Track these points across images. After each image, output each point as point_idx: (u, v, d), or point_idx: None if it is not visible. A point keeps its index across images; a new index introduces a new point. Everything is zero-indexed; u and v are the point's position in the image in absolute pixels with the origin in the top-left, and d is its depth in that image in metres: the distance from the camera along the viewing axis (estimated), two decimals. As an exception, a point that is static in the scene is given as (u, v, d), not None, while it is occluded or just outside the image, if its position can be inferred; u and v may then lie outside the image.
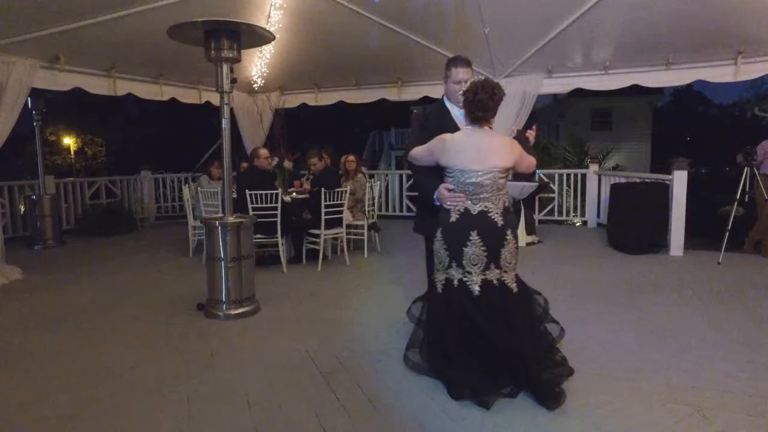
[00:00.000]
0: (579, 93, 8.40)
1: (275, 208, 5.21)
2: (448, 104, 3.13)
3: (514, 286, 2.71)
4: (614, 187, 6.85)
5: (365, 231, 6.15)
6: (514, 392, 2.54)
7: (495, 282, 2.63)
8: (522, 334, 2.64)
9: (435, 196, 2.72)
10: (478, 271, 2.60)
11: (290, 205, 5.69)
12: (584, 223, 8.38)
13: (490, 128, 2.71)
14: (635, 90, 7.61)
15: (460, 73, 2.99)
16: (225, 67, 3.83)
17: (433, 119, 3.11)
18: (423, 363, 2.84)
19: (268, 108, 8.38)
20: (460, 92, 2.67)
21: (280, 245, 5.37)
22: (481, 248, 2.57)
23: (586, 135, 14.84)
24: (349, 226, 5.92)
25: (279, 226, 5.25)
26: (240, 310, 3.94)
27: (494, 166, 2.61)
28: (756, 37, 5.75)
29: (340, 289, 4.74)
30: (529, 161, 2.81)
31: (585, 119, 20.52)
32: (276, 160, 6.46)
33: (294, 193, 6.21)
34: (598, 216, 8.03)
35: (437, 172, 2.78)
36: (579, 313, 3.91)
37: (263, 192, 5.16)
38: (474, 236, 2.57)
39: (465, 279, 2.61)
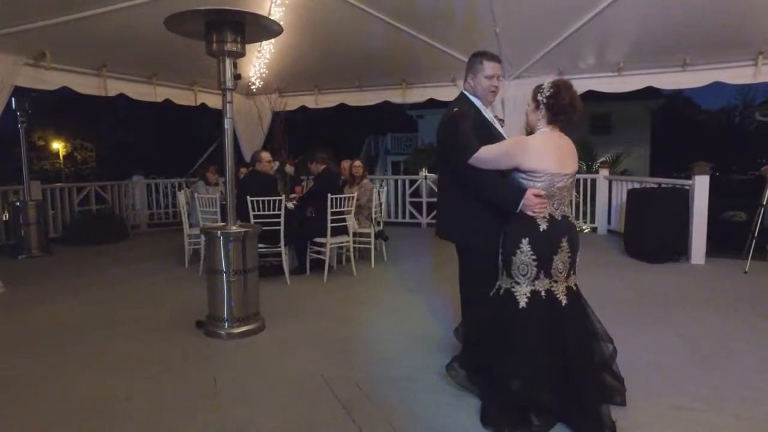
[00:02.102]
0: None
1: (278, 216, 4.87)
2: (474, 100, 2.88)
3: (580, 290, 2.61)
4: (630, 193, 6.57)
5: (372, 239, 5.81)
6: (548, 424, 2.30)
7: (574, 288, 2.52)
8: (593, 343, 2.56)
9: (522, 203, 2.42)
10: (562, 279, 2.45)
11: (293, 213, 5.35)
12: (593, 229, 8.12)
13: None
14: (634, 94, 7.36)
15: (493, 67, 2.82)
16: (228, 62, 3.50)
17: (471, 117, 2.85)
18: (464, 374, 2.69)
19: (268, 110, 8.03)
20: (544, 95, 2.45)
21: (283, 255, 5.03)
22: (567, 254, 2.45)
23: (585, 140, 14.66)
24: (354, 234, 5.59)
25: (282, 235, 4.92)
26: (244, 329, 3.58)
27: (574, 170, 2.53)
28: (778, 36, 5.53)
29: (351, 303, 4.41)
30: None
31: (584, 124, 20.39)
32: (277, 164, 6.11)
33: (296, 200, 5.87)
34: (609, 222, 7.78)
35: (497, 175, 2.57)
36: (612, 329, 3.58)
37: (266, 198, 4.83)
38: (564, 243, 2.43)
39: (552, 289, 2.44)
